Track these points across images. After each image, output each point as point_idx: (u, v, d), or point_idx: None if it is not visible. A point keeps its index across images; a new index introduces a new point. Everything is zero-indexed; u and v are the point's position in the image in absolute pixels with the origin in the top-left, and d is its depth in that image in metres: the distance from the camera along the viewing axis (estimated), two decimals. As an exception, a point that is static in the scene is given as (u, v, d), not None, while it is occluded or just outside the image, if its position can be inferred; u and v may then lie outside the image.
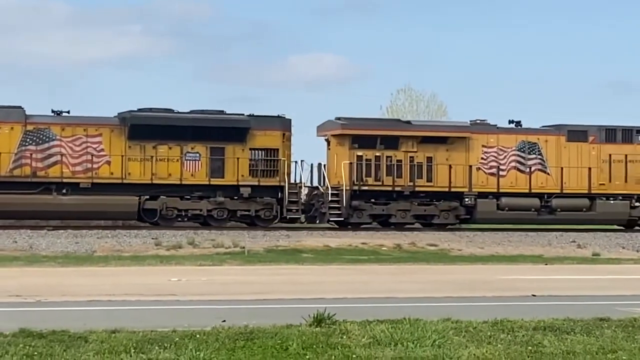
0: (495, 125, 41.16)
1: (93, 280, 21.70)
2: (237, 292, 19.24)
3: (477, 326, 13.44)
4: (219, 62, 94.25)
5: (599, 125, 41.87)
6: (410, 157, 39.69)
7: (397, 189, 39.21)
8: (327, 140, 40.34)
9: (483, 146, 40.50)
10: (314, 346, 11.89)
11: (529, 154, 40.87)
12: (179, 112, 38.09)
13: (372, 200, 39.21)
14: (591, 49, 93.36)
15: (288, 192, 38.21)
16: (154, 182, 37.29)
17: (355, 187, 38.75)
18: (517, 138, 40.96)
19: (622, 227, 42.10)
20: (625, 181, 41.51)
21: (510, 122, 41.45)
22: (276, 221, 38.40)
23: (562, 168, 40.82)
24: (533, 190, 40.57)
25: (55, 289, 19.11)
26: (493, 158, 40.48)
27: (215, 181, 37.78)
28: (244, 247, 31.62)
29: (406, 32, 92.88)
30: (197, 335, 12.32)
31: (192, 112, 38.21)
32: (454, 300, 17.92)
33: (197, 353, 11.34)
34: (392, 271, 25.72)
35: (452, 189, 39.73)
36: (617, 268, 28.48)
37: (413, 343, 12.12)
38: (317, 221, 39.63)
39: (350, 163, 38.87)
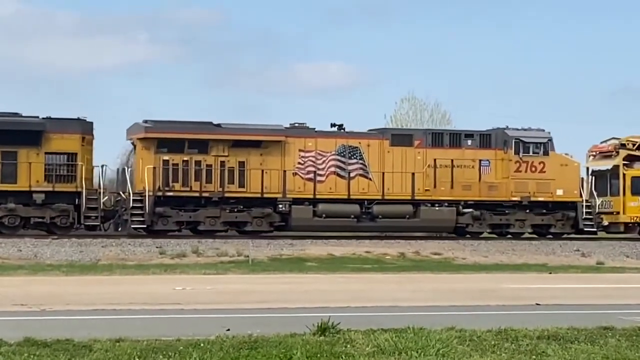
0: (314, 128, 39.45)
1: (97, 289, 21.71)
2: (241, 301, 19.24)
3: (481, 335, 13.43)
4: (226, 69, 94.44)
5: (425, 129, 41.09)
6: (221, 161, 37.95)
7: (205, 194, 37.55)
8: (133, 144, 38.73)
9: (300, 150, 38.86)
10: (318, 355, 11.90)
11: (350, 158, 39.23)
12: None
13: (180, 206, 37.48)
14: (597, 55, 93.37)
15: (86, 199, 36.27)
16: None
17: (160, 193, 37.01)
18: (336, 142, 39.25)
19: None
20: (452, 187, 39.88)
21: (332, 125, 39.68)
22: (74, 229, 36.78)
23: (383, 173, 39.26)
24: (353, 196, 38.93)
25: (60, 297, 19.12)
26: (311, 163, 38.84)
27: (6, 187, 35.96)
28: (248, 256, 31.66)
29: (413, 40, 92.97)
30: (202, 344, 12.32)
31: None
32: (458, 309, 17.91)
33: (202, 362, 11.35)
34: (396, 280, 25.71)
35: (265, 195, 38.06)
36: (621, 277, 28.45)
37: (417, 352, 12.12)
38: (119, 229, 37.95)
39: (154, 168, 37.06)
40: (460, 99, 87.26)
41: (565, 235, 41.01)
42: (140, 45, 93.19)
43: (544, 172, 40.62)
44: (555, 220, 40.99)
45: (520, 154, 40.44)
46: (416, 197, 39.51)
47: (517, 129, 41.05)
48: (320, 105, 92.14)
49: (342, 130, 39.72)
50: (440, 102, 65.48)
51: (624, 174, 42.67)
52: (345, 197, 38.89)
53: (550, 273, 29.55)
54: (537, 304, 18.92)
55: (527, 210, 40.72)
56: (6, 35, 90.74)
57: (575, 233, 41.10)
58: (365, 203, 38.98)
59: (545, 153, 40.73)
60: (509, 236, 40.54)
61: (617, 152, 43.23)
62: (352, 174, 39.14)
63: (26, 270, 26.91)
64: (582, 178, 42.25)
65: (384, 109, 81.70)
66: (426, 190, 39.65)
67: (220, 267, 29.11)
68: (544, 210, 40.89)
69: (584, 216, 40.74)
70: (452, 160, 39.94)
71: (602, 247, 38.06)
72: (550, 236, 40.75)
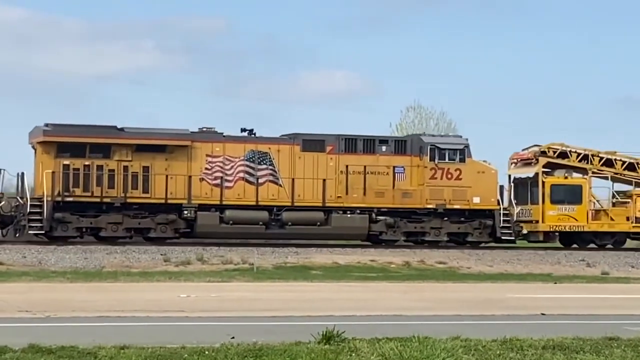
0: (222, 133, 38.60)
1: (102, 295, 21.70)
2: (246, 309, 19.23)
3: (486, 345, 13.40)
4: (231, 77, 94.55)
5: (338, 134, 39.40)
6: (125, 166, 37.05)
7: (106, 200, 36.72)
8: (34, 148, 37.80)
9: (207, 155, 37.99)
10: (323, 364, 11.88)
11: (259, 164, 38.39)
12: None
13: (80, 212, 36.61)
14: (602, 65, 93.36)
15: None
16: None
17: (59, 199, 36.17)
18: (245, 147, 38.40)
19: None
20: (364, 194, 38.95)
21: (243, 130, 38.98)
22: None
23: (293, 179, 38.41)
24: (262, 203, 38.02)
25: (64, 304, 19.11)
26: (219, 168, 37.98)
27: None
28: (252, 264, 31.63)
29: (417, 48, 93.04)
30: (206, 352, 12.31)
31: None
32: (463, 319, 17.88)
33: (206, 370, 11.34)
34: (401, 289, 25.68)
35: (170, 201, 37.20)
36: (626, 287, 28.42)
37: (422, 361, 12.10)
38: (17, 234, 36.93)
39: (54, 172, 36.11)
40: (466, 108, 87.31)
41: (483, 244, 40.11)
42: (146, 52, 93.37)
43: (461, 179, 39.70)
44: (473, 228, 39.97)
45: (436, 161, 39.54)
46: (327, 204, 38.67)
47: (434, 135, 40.59)
48: (325, 113, 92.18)
49: (252, 135, 38.98)
50: (445, 111, 65.69)
51: (543, 182, 41.79)
52: (254, 203, 38.03)
53: (556, 283, 29.51)
54: (543, 314, 18.89)
55: (445, 218, 39.74)
56: (13, 41, 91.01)
57: (494, 242, 40.21)
58: (275, 210, 38.16)
59: (462, 160, 39.82)
60: (426, 244, 39.44)
61: (537, 160, 42.45)
62: (261, 180, 38.30)
63: (31, 276, 26.91)
64: (502, 186, 41.33)
65: (389, 117, 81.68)
66: (338, 197, 38.81)
67: (225, 274, 29.09)
68: (461, 218, 39.95)
69: (502, 224, 39.77)
70: (365, 167, 39.06)
71: (607, 257, 38.00)
72: (468, 244, 39.82)
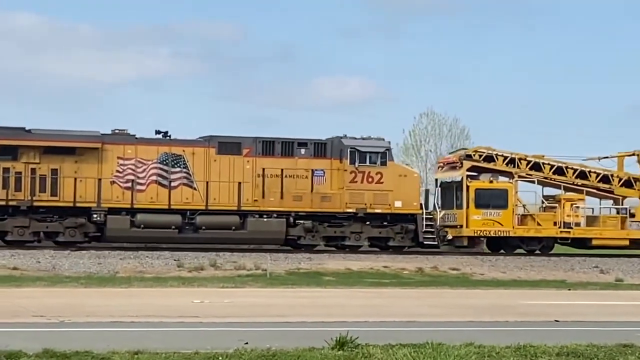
0: (134, 135, 37.67)
1: (116, 301, 21.73)
2: (259, 315, 19.23)
3: (499, 351, 13.38)
4: (246, 83, 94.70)
5: (255, 137, 38.52)
6: (32, 168, 36.25)
7: (12, 203, 35.91)
8: None
9: (119, 158, 37.12)
10: (337, 369, 11.88)
11: (173, 167, 37.56)
12: None
13: None
14: (615, 71, 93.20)
15: None
16: None
17: None
18: (159, 150, 37.55)
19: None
20: (282, 197, 38.13)
21: (157, 132, 38.04)
22: None
23: (207, 182, 37.64)
24: (176, 206, 37.29)
25: (78, 309, 19.15)
26: (130, 171, 37.13)
27: None
28: (265, 270, 31.64)
29: (431, 55, 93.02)
30: (220, 358, 12.33)
31: None
32: (477, 325, 17.86)
33: (220, 375, 11.35)
34: (414, 295, 25.67)
35: (78, 204, 36.40)
36: (640, 294, 28.32)
37: (436, 367, 12.10)
38: None
39: None
40: (479, 114, 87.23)
41: (406, 249, 39.37)
42: (161, 58, 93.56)
43: (382, 182, 38.87)
44: (394, 233, 39.14)
45: (357, 164, 38.68)
46: (243, 208, 37.89)
47: (355, 138, 39.31)
48: (339, 119, 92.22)
49: (166, 138, 38.14)
50: (458, 117, 65.65)
51: (467, 186, 40.81)
52: (166, 207, 37.33)
53: (569, 289, 29.44)
54: (556, 321, 18.85)
55: (367, 222, 38.93)
56: (27, 48, 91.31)
57: (417, 246, 39.49)
58: (188, 213, 37.46)
59: (384, 163, 38.99)
60: (347, 249, 38.70)
61: (462, 164, 41.54)
62: (175, 183, 37.53)
63: (45, 281, 26.98)
64: (428, 190, 40.83)
65: (402, 123, 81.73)
66: (255, 200, 38.01)
67: (238, 280, 29.10)
68: (383, 223, 39.13)
69: (424, 229, 39.03)
70: (282, 170, 38.24)
71: (620, 264, 37.88)
72: (391, 249, 39.07)
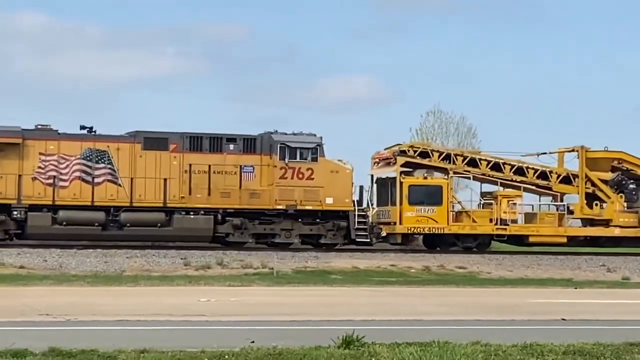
0: (57, 130, 37.05)
1: (122, 299, 21.75)
2: (265, 313, 19.24)
3: (506, 350, 13.36)
4: (251, 83, 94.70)
5: (182, 132, 37.96)
6: None
7: None
8: None
9: (41, 154, 36.47)
10: (343, 368, 11.87)
11: (97, 162, 36.98)
12: None
13: None
14: (621, 73, 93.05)
15: None
16: None
17: None
18: (82, 145, 36.96)
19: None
20: (209, 194, 37.62)
21: (82, 127, 37.48)
22: None
23: (132, 179, 37.03)
24: (99, 203, 36.65)
25: (85, 308, 19.16)
26: (53, 167, 36.53)
27: None
28: (272, 268, 31.65)
29: (437, 53, 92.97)
30: (226, 356, 12.32)
31: None
32: (483, 324, 17.83)
33: (226, 374, 11.34)
34: (421, 293, 25.65)
35: None
36: (647, 292, 28.26)
37: (442, 366, 12.08)
38: None
39: None
40: (486, 113, 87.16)
41: (339, 246, 38.98)
42: (168, 58, 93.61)
43: (313, 179, 38.39)
44: (326, 230, 38.78)
45: (287, 160, 38.22)
46: (169, 205, 37.35)
47: (285, 134, 38.82)
48: (346, 119, 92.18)
49: (91, 133, 37.59)
50: (465, 116, 65.54)
51: (401, 182, 40.44)
52: (90, 203, 36.76)
53: (576, 288, 29.40)
54: (563, 319, 18.82)
55: (299, 219, 38.54)
56: (34, 48, 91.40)
57: (349, 244, 39.11)
58: (112, 210, 36.90)
59: (314, 159, 38.50)
60: (278, 247, 38.06)
61: (396, 160, 41.24)
62: (99, 179, 36.97)
63: (51, 280, 27.00)
64: (362, 186, 40.24)
65: (409, 122, 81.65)
66: (181, 197, 37.49)
67: (245, 278, 29.10)
68: (315, 220, 38.70)
69: (357, 226, 38.58)
70: (210, 166, 37.74)
71: (628, 262, 37.85)
72: (323, 247, 38.67)
